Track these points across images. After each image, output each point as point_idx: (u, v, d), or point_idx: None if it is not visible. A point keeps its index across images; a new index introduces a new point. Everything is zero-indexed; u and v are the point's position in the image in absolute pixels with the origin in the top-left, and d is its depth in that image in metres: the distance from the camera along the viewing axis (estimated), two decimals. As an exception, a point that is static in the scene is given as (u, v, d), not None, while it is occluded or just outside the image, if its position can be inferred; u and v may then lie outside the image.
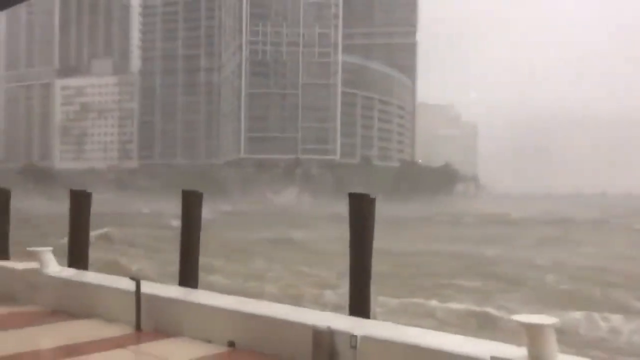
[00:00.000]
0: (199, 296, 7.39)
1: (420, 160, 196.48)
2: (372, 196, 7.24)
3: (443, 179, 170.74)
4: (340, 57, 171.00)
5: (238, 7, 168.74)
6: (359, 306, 6.81)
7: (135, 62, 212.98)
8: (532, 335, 4.24)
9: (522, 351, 4.33)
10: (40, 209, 72.49)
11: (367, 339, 5.29)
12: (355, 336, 5.32)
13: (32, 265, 8.89)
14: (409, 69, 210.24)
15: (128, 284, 7.29)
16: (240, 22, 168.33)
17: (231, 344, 6.30)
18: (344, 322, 5.82)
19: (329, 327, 5.53)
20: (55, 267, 8.83)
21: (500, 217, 79.62)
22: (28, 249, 9.09)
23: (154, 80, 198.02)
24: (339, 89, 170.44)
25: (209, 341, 6.44)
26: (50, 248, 8.98)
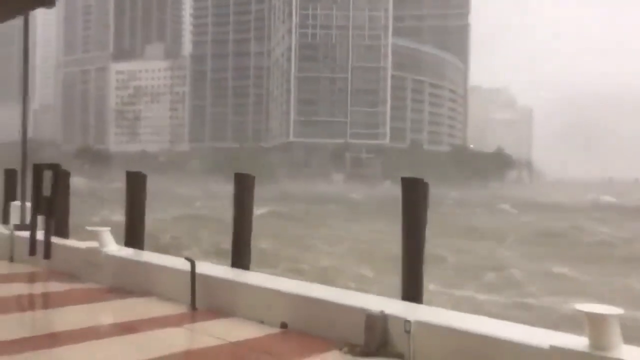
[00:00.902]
0: (252, 277, 7.51)
1: (472, 145, 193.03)
2: (424, 181, 7.16)
3: (495, 165, 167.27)
4: (390, 40, 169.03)
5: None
6: (412, 292, 6.78)
7: (187, 46, 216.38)
8: (594, 325, 4.13)
9: (584, 341, 4.21)
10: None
11: (420, 324, 5.27)
12: (409, 321, 5.30)
13: (93, 244, 9.21)
14: (461, 52, 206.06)
15: (183, 264, 7.47)
16: (290, 6, 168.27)
17: (284, 326, 6.39)
18: (397, 307, 5.81)
19: (382, 312, 5.52)
20: (113, 246, 9.12)
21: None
22: (88, 228, 9.42)
23: (205, 64, 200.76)
24: (389, 73, 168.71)
25: (262, 322, 6.54)
26: (109, 228, 9.27)
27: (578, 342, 4.27)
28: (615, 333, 4.09)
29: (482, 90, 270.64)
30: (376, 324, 5.49)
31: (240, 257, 8.49)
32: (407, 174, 8.18)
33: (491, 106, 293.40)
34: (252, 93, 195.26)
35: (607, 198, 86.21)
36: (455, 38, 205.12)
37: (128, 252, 9.11)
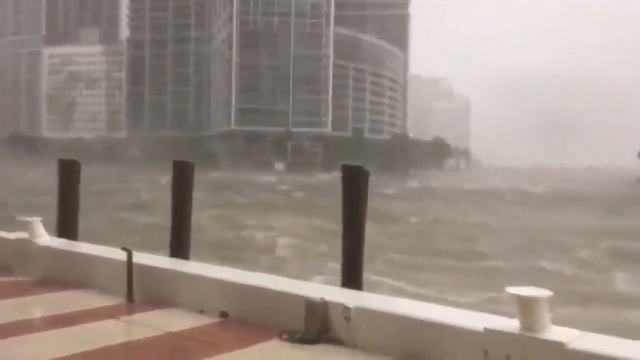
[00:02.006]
0: (191, 267, 7.39)
1: (411, 134, 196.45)
2: (365, 169, 7.22)
3: (434, 153, 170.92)
4: (332, 28, 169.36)
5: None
6: (352, 278, 6.84)
7: (124, 30, 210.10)
8: (524, 307, 4.27)
9: (515, 323, 4.36)
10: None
11: (360, 310, 5.32)
12: (349, 307, 5.34)
13: (23, 235, 8.83)
14: (401, 42, 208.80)
15: (120, 254, 7.27)
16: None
17: (224, 315, 6.33)
18: (337, 294, 5.85)
19: (322, 299, 5.55)
20: (45, 237, 8.78)
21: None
22: (18, 218, 9.03)
23: (143, 50, 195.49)
24: (331, 61, 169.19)
25: (202, 312, 6.46)
26: (40, 218, 8.92)
27: (510, 324, 4.42)
28: (544, 314, 4.24)
29: (421, 79, 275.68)
30: (316, 311, 5.51)
31: (179, 247, 8.35)
32: (349, 162, 8.25)
33: (430, 95, 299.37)
34: (192, 80, 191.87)
35: (522, 184, 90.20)
36: (395, 28, 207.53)
37: (61, 243, 8.79)
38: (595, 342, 4.18)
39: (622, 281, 22.13)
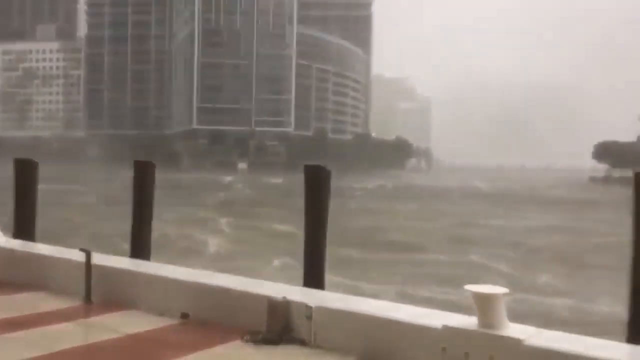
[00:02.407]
0: (151, 268, 7.29)
1: (374, 134, 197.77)
2: (327, 168, 7.26)
3: (397, 153, 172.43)
4: (295, 28, 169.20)
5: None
6: (314, 278, 6.87)
7: (82, 27, 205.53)
8: (482, 304, 4.36)
9: (474, 320, 4.45)
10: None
11: (321, 309, 5.34)
12: (310, 307, 5.37)
13: None
14: (364, 42, 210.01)
15: (78, 255, 7.13)
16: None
17: (185, 316, 6.27)
18: (299, 294, 5.86)
19: (284, 298, 5.55)
20: (0, 238, 8.56)
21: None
22: None
23: (102, 47, 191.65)
24: (294, 61, 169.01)
25: (162, 313, 6.39)
26: None
27: (469, 321, 4.51)
28: (500, 311, 4.34)
29: (384, 79, 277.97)
30: (278, 311, 5.51)
31: (139, 247, 8.24)
32: (312, 162, 8.28)
33: (393, 95, 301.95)
34: (153, 78, 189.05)
35: (477, 183, 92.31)
36: (358, 28, 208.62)
37: (16, 244, 8.57)
38: (551, 339, 4.31)
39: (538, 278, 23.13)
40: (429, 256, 28.36)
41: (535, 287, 21.28)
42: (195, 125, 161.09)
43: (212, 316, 6.05)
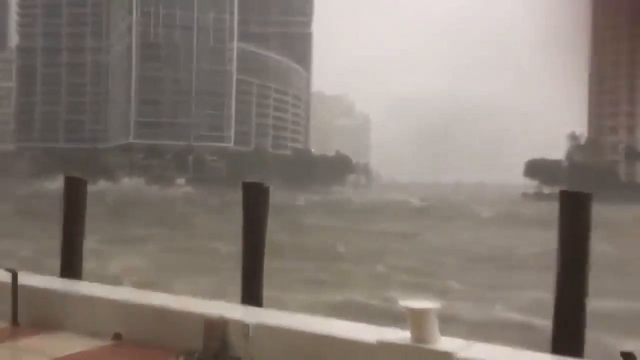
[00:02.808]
0: (82, 287, 7.05)
1: (314, 150, 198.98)
2: (265, 185, 7.24)
3: (336, 169, 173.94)
4: (235, 43, 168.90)
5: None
6: (252, 295, 6.81)
7: (13, 37, 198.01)
8: (414, 319, 4.45)
9: (407, 334, 4.52)
10: None
11: (259, 327, 5.31)
12: (247, 325, 5.32)
13: None
14: (305, 59, 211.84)
15: (3, 275, 6.82)
16: (130, 1, 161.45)
17: (117, 337, 6.08)
18: (237, 311, 5.80)
19: (221, 316, 5.48)
20: None
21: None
22: None
23: (34, 58, 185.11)
24: (234, 76, 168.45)
25: (93, 335, 6.17)
26: None
27: (402, 336, 4.58)
28: (433, 325, 4.44)
29: (324, 96, 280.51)
30: (215, 329, 5.42)
31: (70, 266, 7.95)
32: (252, 177, 8.25)
33: (333, 112, 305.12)
34: (89, 91, 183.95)
35: (414, 200, 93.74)
36: (298, 45, 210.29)
37: None
38: (482, 351, 4.42)
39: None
40: (339, 265, 29.37)
41: (436, 292, 22.28)
42: (132, 139, 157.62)
43: (146, 336, 5.89)
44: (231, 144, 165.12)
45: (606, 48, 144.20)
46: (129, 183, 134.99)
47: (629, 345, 4.98)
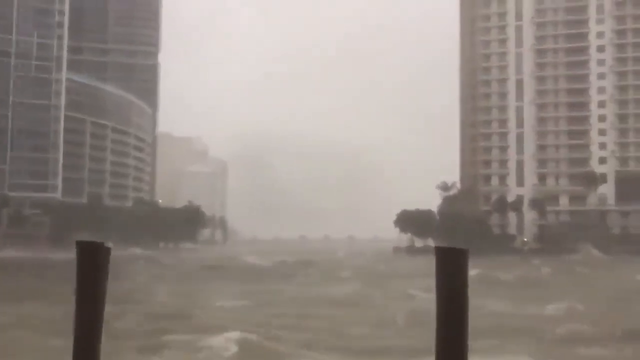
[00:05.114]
0: None
1: (160, 200, 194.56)
2: (107, 245, 7.07)
3: (187, 223, 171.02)
4: (64, 74, 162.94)
5: None
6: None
7: None
8: None
9: None
10: None
11: None
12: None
13: None
14: (150, 95, 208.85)
15: None
16: None
17: None
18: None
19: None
20: None
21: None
22: None
23: None
24: (62, 113, 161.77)
25: None
26: None
27: None
28: None
29: (173, 138, 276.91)
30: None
31: None
32: (84, 235, 8.02)
33: (183, 157, 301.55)
34: None
35: (251, 259, 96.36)
36: (143, 78, 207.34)
37: None
38: None
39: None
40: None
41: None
42: None
43: None
44: (58, 194, 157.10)
45: (477, 92, 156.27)
46: None
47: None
